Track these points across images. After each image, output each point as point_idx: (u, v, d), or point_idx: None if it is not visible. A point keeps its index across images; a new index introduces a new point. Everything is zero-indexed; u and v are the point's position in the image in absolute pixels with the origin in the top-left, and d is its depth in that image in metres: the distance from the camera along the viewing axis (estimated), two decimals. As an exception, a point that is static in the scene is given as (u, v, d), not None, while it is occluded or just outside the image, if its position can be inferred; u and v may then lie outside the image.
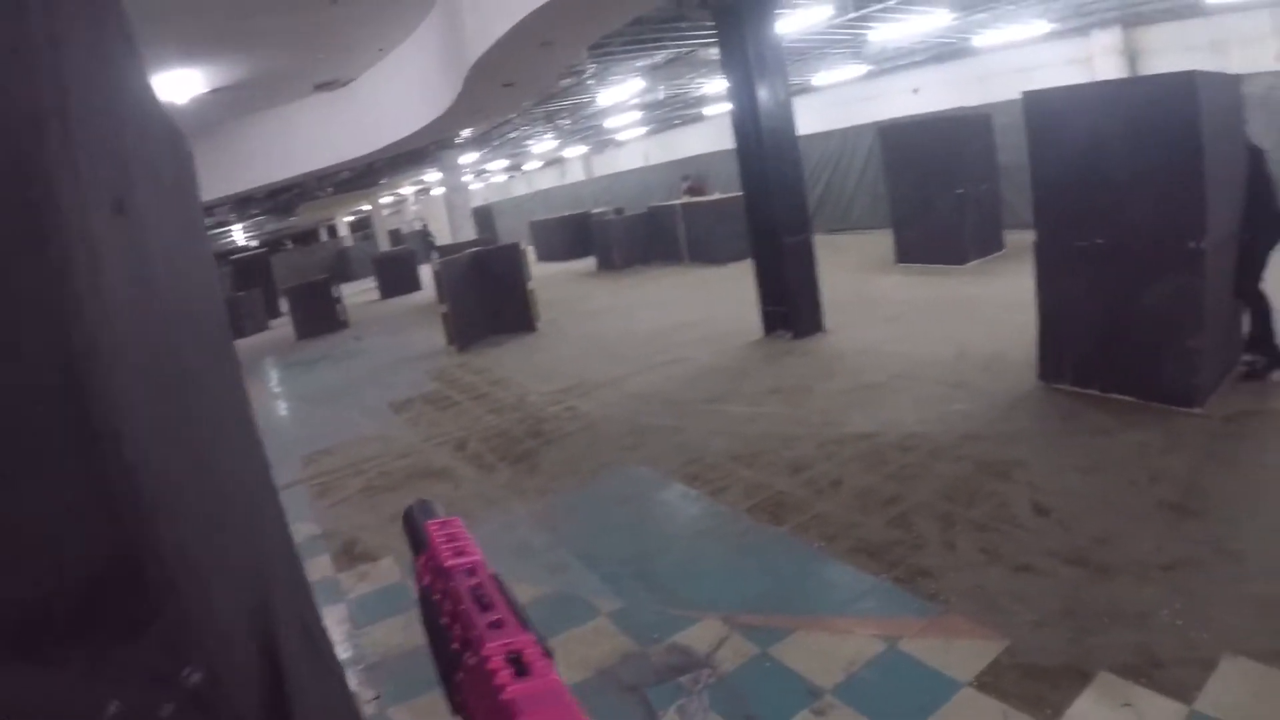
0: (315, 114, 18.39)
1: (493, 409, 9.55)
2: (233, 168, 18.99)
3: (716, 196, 19.69)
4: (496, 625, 0.59)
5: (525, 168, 46.89)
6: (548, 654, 0.57)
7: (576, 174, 43.72)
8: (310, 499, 7.81)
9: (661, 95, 22.98)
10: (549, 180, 46.41)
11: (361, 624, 5.06)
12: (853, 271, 13.46)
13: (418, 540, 0.78)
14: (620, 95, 20.79)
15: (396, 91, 16.52)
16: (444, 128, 17.87)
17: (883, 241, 14.23)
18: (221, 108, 16.42)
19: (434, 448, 8.52)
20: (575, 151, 40.64)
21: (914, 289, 11.79)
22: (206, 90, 14.38)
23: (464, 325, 13.52)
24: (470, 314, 13.71)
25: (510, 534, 5.94)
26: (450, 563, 0.71)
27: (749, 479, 6.02)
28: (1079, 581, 4.03)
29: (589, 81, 18.24)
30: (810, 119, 11.89)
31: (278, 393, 14.65)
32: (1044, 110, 6.74)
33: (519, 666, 0.55)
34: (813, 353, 9.47)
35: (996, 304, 9.85)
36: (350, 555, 6.21)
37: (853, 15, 13.95)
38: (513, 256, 13.98)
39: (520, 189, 48.77)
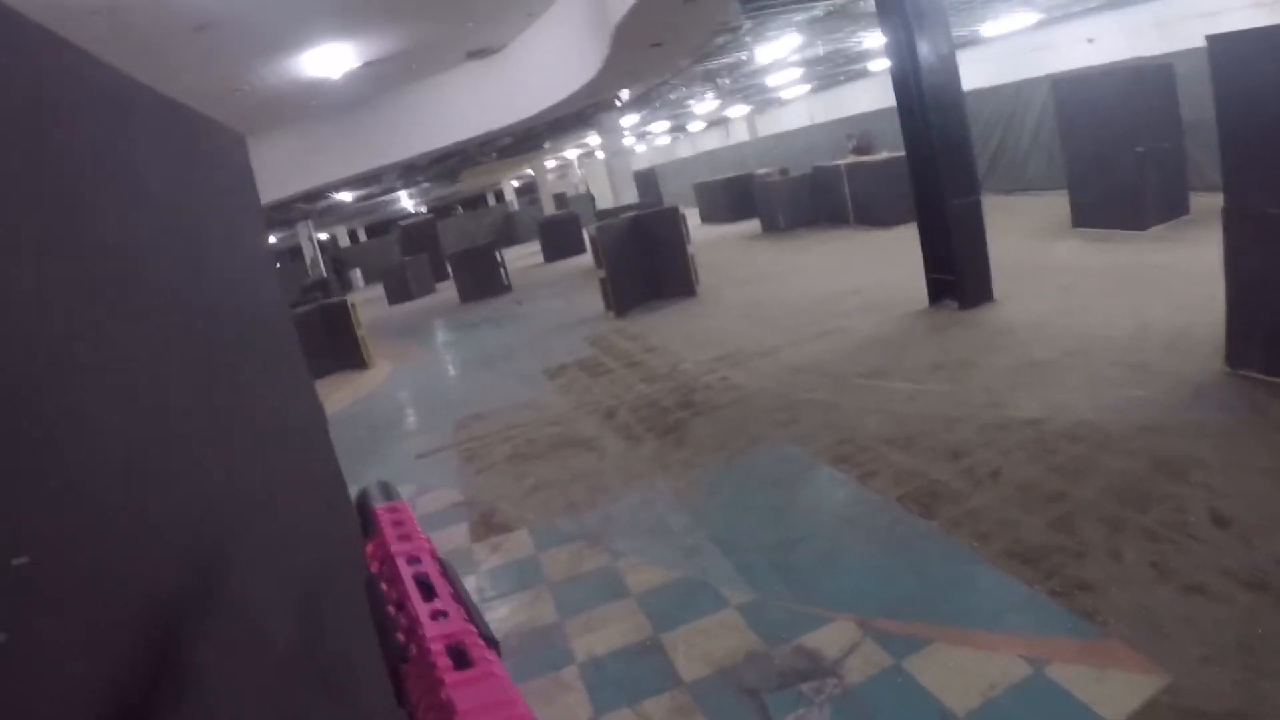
0: (469, 82, 18.64)
1: (645, 377, 9.44)
2: (390, 138, 19.52)
3: (884, 156, 18.91)
4: (440, 615, 0.60)
5: (689, 129, 46.51)
6: (492, 644, 0.57)
7: (741, 135, 43.13)
8: (457, 464, 7.91)
9: (821, 51, 22.22)
10: (713, 141, 45.99)
11: (489, 598, 5.04)
12: (1025, 236, 12.61)
13: (367, 524, 0.78)
14: (778, 52, 20.18)
15: (547, 56, 16.52)
16: (598, 91, 17.78)
17: (1058, 204, 13.29)
18: (376, 81, 16.85)
19: (583, 416, 8.48)
20: (738, 111, 40.00)
21: (1090, 256, 10.92)
22: (359, 64, 14.71)
23: (622, 290, 13.46)
24: (628, 279, 13.63)
25: (648, 511, 5.81)
26: (395, 549, 0.70)
27: (902, 464, 5.66)
28: (1258, 610, 3.50)
29: (745, 39, 17.75)
30: (979, 71, 11.03)
31: (438, 356, 15.04)
32: (1234, 57, 5.89)
33: (460, 658, 0.55)
34: (980, 325, 8.89)
35: (1180, 275, 8.98)
36: (488, 525, 6.23)
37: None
38: (672, 220, 13.77)
39: (684, 151, 48.40)
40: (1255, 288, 5.90)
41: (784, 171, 23.03)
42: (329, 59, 13.87)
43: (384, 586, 0.69)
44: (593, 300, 14.57)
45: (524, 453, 7.75)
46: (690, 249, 13.83)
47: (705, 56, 19.10)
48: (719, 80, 24.78)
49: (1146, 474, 4.87)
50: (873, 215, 17.23)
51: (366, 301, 27.78)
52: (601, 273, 13.46)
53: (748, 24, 15.98)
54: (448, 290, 22.76)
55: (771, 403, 7.59)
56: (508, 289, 20.99)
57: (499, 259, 21.24)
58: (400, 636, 0.61)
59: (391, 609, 0.65)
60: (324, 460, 2.51)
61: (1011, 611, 3.86)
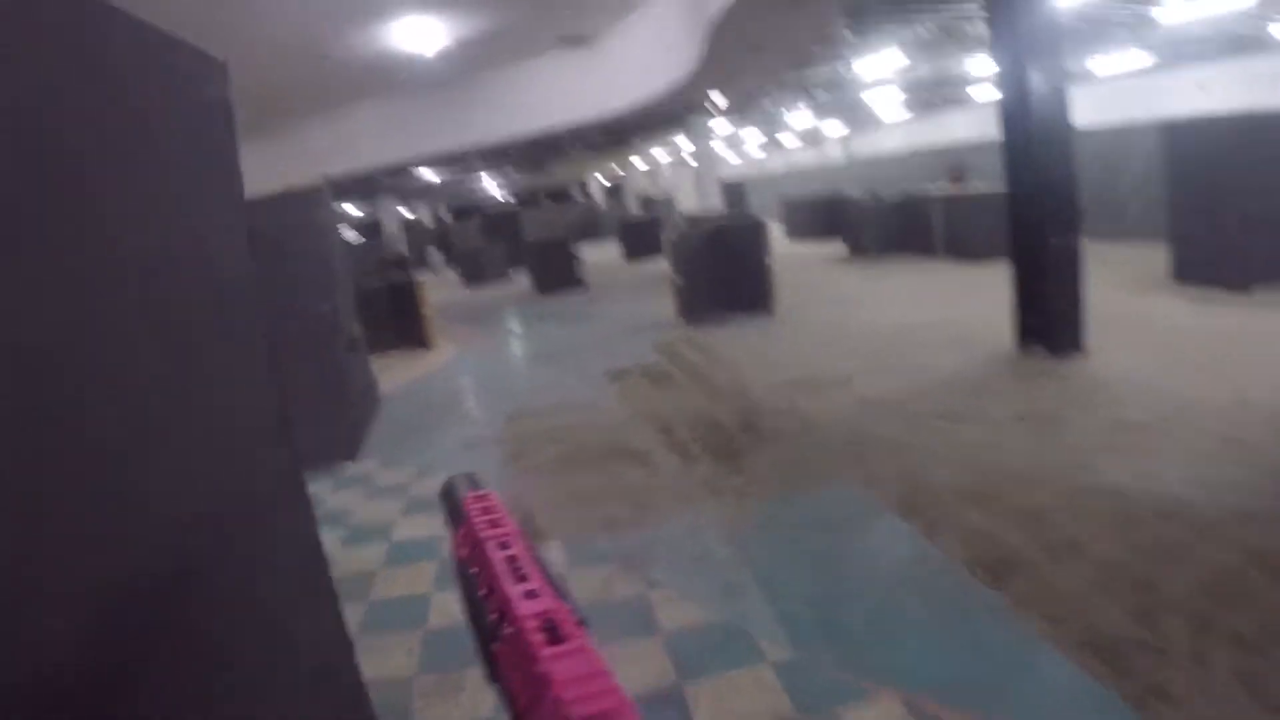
0: (559, 69, 18.52)
1: (709, 393, 9.06)
2: (476, 119, 19.46)
3: (978, 188, 18.25)
4: (531, 595, 0.63)
5: (783, 143, 45.97)
6: (582, 622, 0.61)
7: (834, 154, 42.61)
8: (502, 460, 7.64)
9: (924, 72, 21.67)
10: (806, 158, 45.53)
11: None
12: (1119, 286, 11.93)
13: (456, 514, 0.84)
14: (879, 69, 19.70)
15: (640, 50, 16.28)
16: (690, 91, 17.48)
17: (1155, 255, 12.59)
18: (464, 60, 16.78)
19: (639, 426, 8.14)
20: (833, 130, 39.52)
21: (1188, 314, 10.24)
22: (449, 43, 14.62)
23: (696, 299, 13.11)
24: (705, 288, 13.27)
25: (694, 539, 5.44)
26: (486, 534, 0.76)
27: (974, 523, 5.20)
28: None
29: (845, 52, 17.34)
30: (1084, 110, 10.40)
31: (501, 345, 14.86)
32: None
33: (553, 634, 0.57)
34: (1069, 376, 8.34)
35: (1284, 346, 8.40)
36: (522, 531, 5.92)
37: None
38: (756, 233, 13.36)
39: (776, 165, 47.91)
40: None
41: (875, 195, 22.45)
42: (418, 33, 13.78)
43: (474, 571, 0.72)
44: (666, 306, 14.23)
45: (573, 457, 7.44)
46: (770, 264, 13.40)
47: (803, 66, 18.73)
48: (815, 93, 24.37)
49: (1242, 569, 4.35)
50: (964, 248, 16.58)
51: (440, 283, 28.00)
52: (678, 279, 13.11)
53: (849, 35, 15.58)
54: (524, 280, 22.61)
55: (841, 437, 7.14)
56: (582, 284, 20.78)
57: (576, 254, 21.03)
58: (492, 617, 0.64)
59: (483, 592, 0.68)
60: (266, 460, 2.21)
61: (1077, 713, 3.42)
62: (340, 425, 8.57)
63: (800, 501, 5.90)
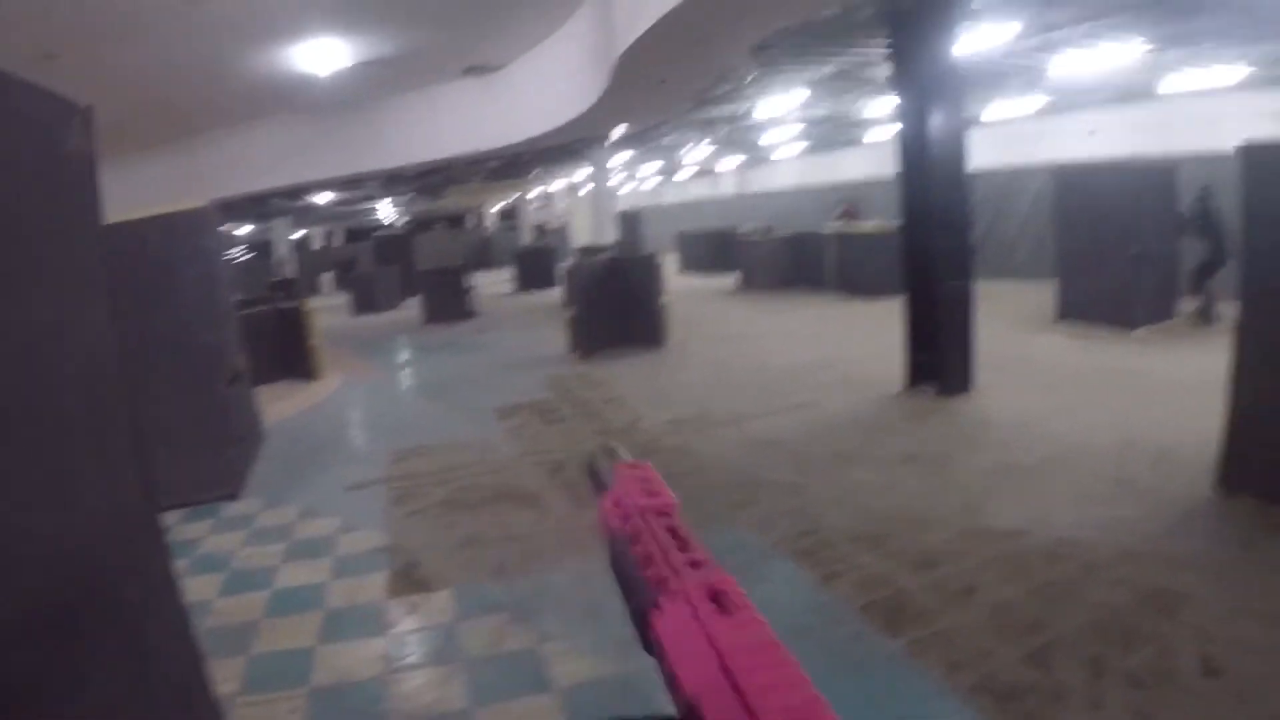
0: (463, 98, 18.32)
1: (600, 431, 8.91)
2: (376, 145, 19.12)
3: (871, 226, 18.65)
4: (695, 565, 0.63)
5: (677, 176, 46.37)
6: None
7: (728, 187, 43.14)
8: (386, 504, 7.33)
9: (822, 112, 22.09)
10: (700, 190, 46.01)
11: (395, 667, 4.47)
12: (1008, 325, 12.27)
13: (602, 481, 0.84)
14: (780, 108, 19.97)
15: (545, 82, 16.20)
16: (593, 124, 17.48)
17: (1042, 295, 12.97)
18: (368, 83, 16.49)
19: (530, 467, 7.92)
20: (729, 164, 39.99)
21: (1076, 354, 10.59)
22: (351, 63, 14.25)
23: (589, 333, 12.97)
24: (597, 322, 13.15)
25: (585, 588, 5.23)
26: (644, 502, 0.75)
27: (868, 567, 5.14)
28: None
29: (748, 91, 17.51)
30: (976, 153, 10.68)
31: (390, 376, 14.46)
32: (1269, 166, 5.60)
33: (721, 604, 0.57)
34: (959, 415, 8.47)
35: (1169, 383, 8.69)
36: (409, 579, 5.65)
37: (1036, 41, 12.85)
38: (651, 267, 13.31)
39: (671, 196, 48.23)
40: (1261, 410, 5.51)
41: (768, 230, 22.80)
42: (322, 53, 13.39)
43: (630, 539, 0.71)
44: (557, 339, 14.06)
45: (460, 500, 7.17)
46: (663, 299, 13.35)
47: (706, 103, 18.88)
48: (715, 129, 24.61)
49: (1132, 607, 4.42)
50: (855, 285, 16.90)
51: (329, 308, 27.25)
52: (570, 311, 12.96)
53: (755, 74, 15.73)
54: (415, 308, 22.12)
55: (731, 478, 7.06)
56: (473, 315, 20.44)
57: (468, 283, 20.70)
58: (649, 583, 0.63)
59: (640, 560, 0.67)
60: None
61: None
62: (221, 463, 8.11)
63: (693, 545, 5.77)
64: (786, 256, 19.75)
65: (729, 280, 21.58)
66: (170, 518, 7.13)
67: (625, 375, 11.60)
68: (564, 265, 13.39)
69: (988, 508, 5.93)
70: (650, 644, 0.59)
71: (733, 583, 0.59)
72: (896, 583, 4.89)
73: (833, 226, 21.48)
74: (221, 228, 29.36)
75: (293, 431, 10.82)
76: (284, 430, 10.86)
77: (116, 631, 1.96)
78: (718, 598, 0.56)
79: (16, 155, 1.55)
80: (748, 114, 21.25)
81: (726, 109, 20.17)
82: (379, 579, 5.71)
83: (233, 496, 8.09)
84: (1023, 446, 7.20)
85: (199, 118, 17.80)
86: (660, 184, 51.64)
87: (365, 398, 12.93)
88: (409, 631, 4.94)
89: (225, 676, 4.29)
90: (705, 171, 44.51)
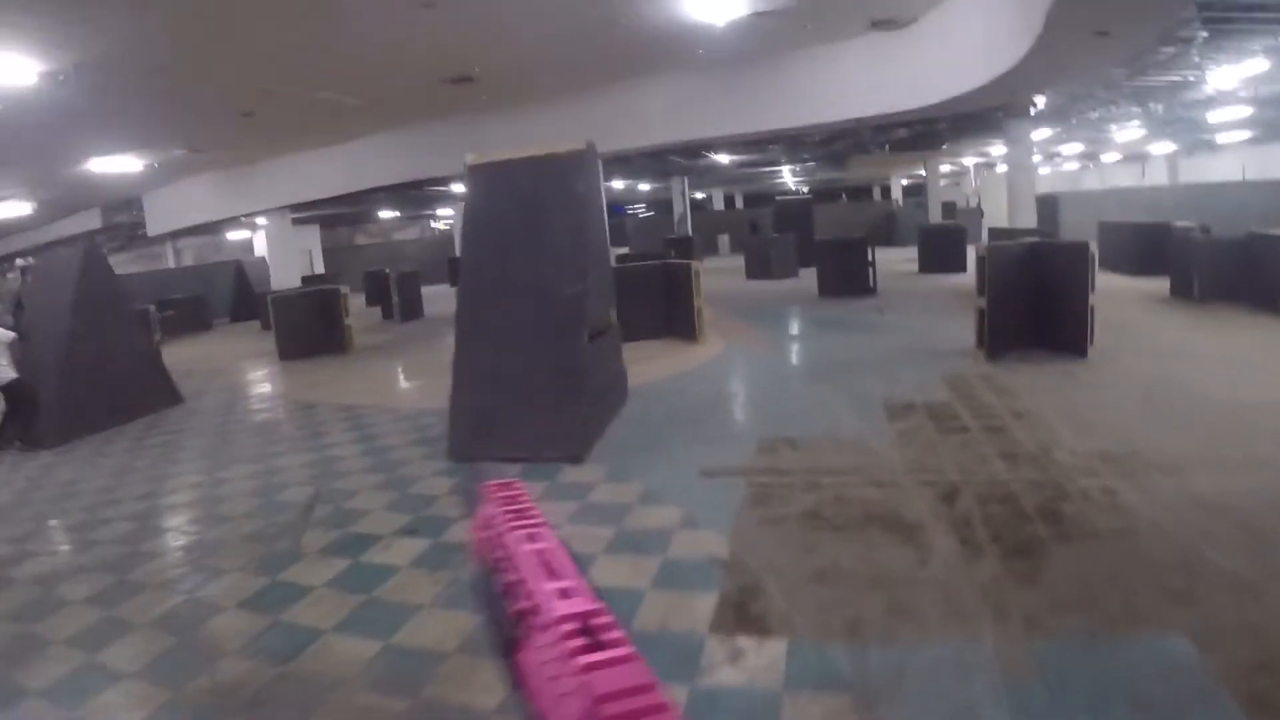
0: (869, 56, 16.76)
1: (1006, 453, 7.36)
2: (776, 103, 18.09)
3: None
4: (566, 593, 0.65)
5: (1102, 158, 41.60)
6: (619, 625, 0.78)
7: (1158, 176, 38.11)
8: (740, 502, 6.40)
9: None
10: (1126, 178, 41.20)
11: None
12: None
13: (474, 501, 0.94)
14: (1230, 80, 16.62)
15: (961, 35, 14.33)
16: (1015, 85, 15.40)
17: None
18: (766, 38, 15.45)
19: (916, 486, 6.62)
20: (1161, 148, 35.17)
21: None
22: (748, 12, 13.20)
23: (1001, 328, 11.27)
24: (1012, 316, 11.40)
25: (959, 682, 3.94)
26: (512, 525, 0.79)
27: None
28: None
29: (1194, 56, 14.60)
30: None
31: (774, 349, 13.59)
32: None
33: (591, 637, 0.60)
34: None
35: None
36: (740, 611, 4.67)
37: None
38: (1079, 258, 11.25)
39: (1091, 182, 43.44)
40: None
41: (1205, 229, 18.95)
42: (713, 2, 12.54)
43: (497, 563, 0.74)
44: (962, 331, 12.47)
45: (826, 516, 6.07)
46: (1092, 298, 11.23)
47: (1146, 69, 16.14)
48: (1151, 104, 21.28)
49: None
50: None
51: (723, 270, 27.07)
52: (982, 301, 11.31)
53: (1203, 35, 13.03)
54: (812, 279, 21.17)
55: (1167, 554, 5.24)
56: (873, 292, 19.11)
57: (870, 257, 19.34)
58: (516, 615, 0.64)
59: (507, 587, 0.70)
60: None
61: None
62: (570, 424, 7.64)
63: (1108, 655, 4.16)
64: (1231, 263, 16.08)
65: (1158, 284, 18.25)
66: (508, 471, 6.70)
67: (1038, 385, 9.83)
68: (977, 248, 11.62)
69: None
70: (517, 681, 0.48)
71: (604, 611, 0.52)
72: None
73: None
74: (607, 180, 30.14)
75: (660, 396, 10.29)
76: (652, 393, 10.35)
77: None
78: (589, 630, 0.50)
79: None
80: (1193, 86, 18.01)
81: (1167, 77, 17.13)
82: (706, 601, 4.80)
83: (577, 459, 7.58)
84: None
85: (588, 72, 17.77)
86: (1080, 168, 46.79)
87: (744, 369, 12.19)
88: (723, 686, 3.97)
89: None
90: (1133, 156, 39.60)
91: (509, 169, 8.55)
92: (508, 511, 0.76)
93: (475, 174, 8.78)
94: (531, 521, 0.75)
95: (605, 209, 9.74)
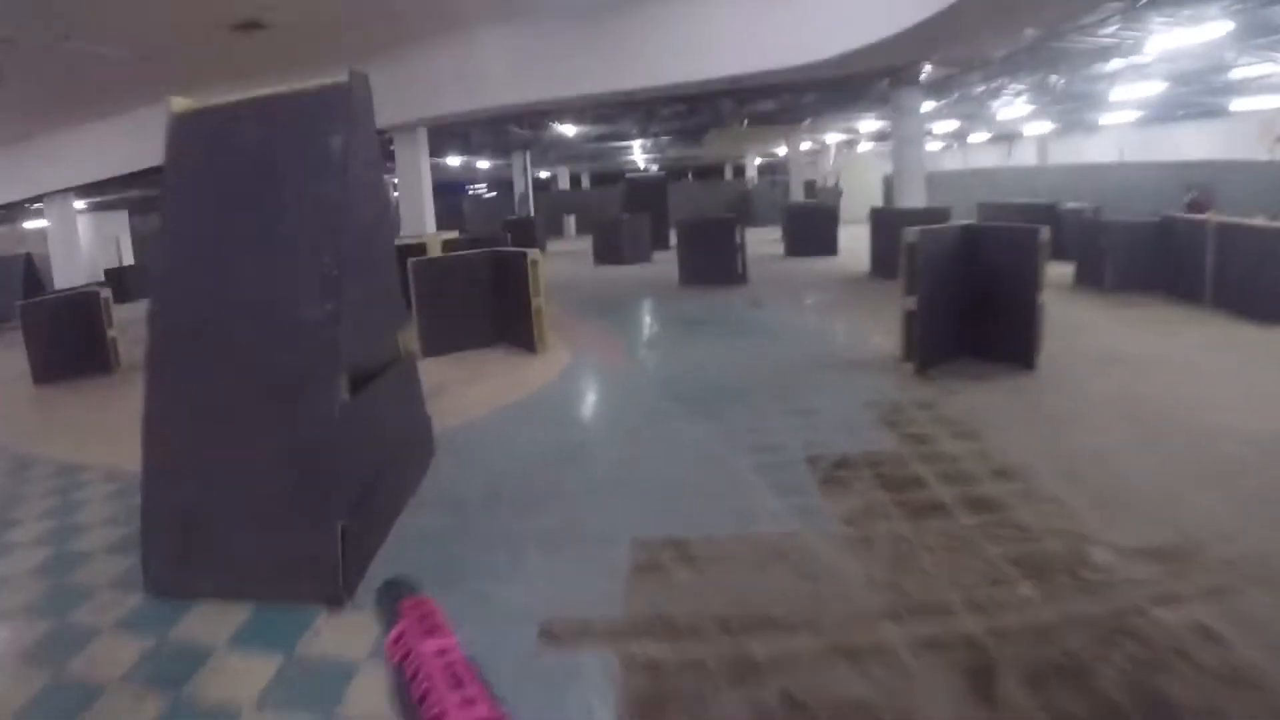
0: (749, 2, 14.29)
1: (1022, 557, 4.60)
2: (635, 57, 15.57)
3: (1261, 222, 12.75)
4: (468, 702, 0.66)
5: (969, 138, 40.43)
6: None
7: (1026, 157, 37.19)
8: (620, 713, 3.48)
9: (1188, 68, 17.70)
10: (989, 158, 40.26)
11: None
12: None
13: (390, 618, 0.86)
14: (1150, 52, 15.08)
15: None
16: (920, 42, 13.16)
17: None
18: None
19: (916, 652, 3.78)
20: (1036, 129, 34.29)
21: None
22: None
23: (933, 335, 8.71)
24: (942, 319, 8.87)
25: None
26: (422, 642, 0.77)
27: None
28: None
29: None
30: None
31: (635, 363, 10.62)
32: None
33: None
34: None
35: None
36: None
37: None
38: (1027, 249, 8.75)
39: (952, 163, 42.32)
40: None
41: (1096, 212, 17.11)
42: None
43: (409, 677, 0.72)
44: (866, 331, 10.29)
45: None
46: (1041, 298, 8.75)
47: (1055, 35, 14.32)
48: (1053, 76, 19.54)
49: None
50: (1242, 302, 11.24)
51: (570, 254, 24.23)
52: (910, 301, 8.66)
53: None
54: (667, 264, 18.37)
55: None
56: (743, 280, 16.47)
57: (739, 239, 16.65)
58: None
59: (416, 699, 0.69)
60: None
61: None
62: (319, 541, 4.42)
63: None
64: (1143, 249, 14.12)
65: (1056, 270, 16.02)
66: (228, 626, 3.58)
67: (997, 416, 7.22)
68: (909, 235, 8.79)
69: None
70: None
71: (504, 718, 0.61)
72: None
73: (1206, 216, 15.91)
74: (439, 155, 26.46)
75: (482, 447, 7.20)
76: (470, 442, 7.31)
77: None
78: None
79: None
80: (1109, 52, 16.29)
81: (1092, 40, 15.27)
82: None
83: (335, 601, 4.43)
84: None
85: (412, 20, 14.83)
86: (944, 148, 45.73)
87: (598, 396, 9.23)
88: None
89: None
90: (1001, 136, 38.50)
91: (228, 119, 5.30)
92: (419, 627, 0.78)
93: (179, 130, 5.42)
94: (441, 639, 0.76)
95: (387, 173, 6.52)
